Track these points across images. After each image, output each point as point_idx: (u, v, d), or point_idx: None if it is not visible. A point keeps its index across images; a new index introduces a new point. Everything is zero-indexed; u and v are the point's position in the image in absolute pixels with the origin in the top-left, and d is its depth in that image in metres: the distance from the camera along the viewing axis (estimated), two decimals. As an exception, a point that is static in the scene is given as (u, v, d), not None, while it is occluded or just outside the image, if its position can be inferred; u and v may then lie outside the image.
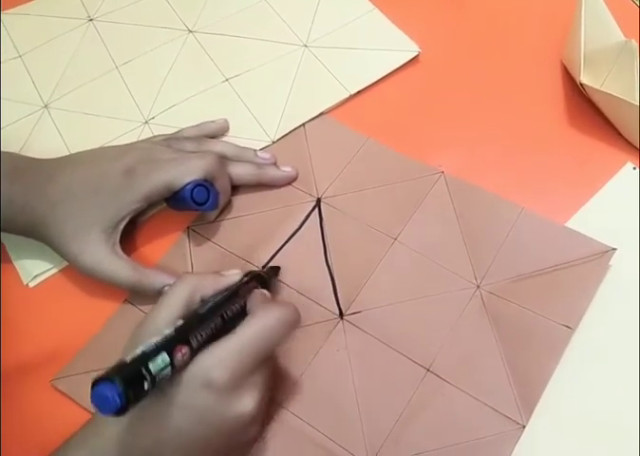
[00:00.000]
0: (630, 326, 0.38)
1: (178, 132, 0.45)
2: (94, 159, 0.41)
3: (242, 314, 0.33)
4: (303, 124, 0.46)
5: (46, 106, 0.48)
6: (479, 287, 0.39)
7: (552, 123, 0.46)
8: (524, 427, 0.35)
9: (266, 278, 0.38)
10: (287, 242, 0.42)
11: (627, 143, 0.45)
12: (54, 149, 0.45)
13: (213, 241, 0.42)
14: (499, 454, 0.34)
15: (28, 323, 0.40)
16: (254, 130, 0.46)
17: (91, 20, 0.53)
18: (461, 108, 0.47)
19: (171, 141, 0.43)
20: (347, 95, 0.47)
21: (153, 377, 0.27)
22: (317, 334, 0.38)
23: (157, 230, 0.43)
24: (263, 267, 0.41)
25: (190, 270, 0.41)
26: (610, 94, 0.42)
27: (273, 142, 0.46)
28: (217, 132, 0.46)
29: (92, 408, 0.26)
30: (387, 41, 0.50)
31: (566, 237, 0.40)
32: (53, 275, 0.42)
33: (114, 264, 0.38)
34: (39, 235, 0.39)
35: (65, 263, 0.41)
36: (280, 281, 0.40)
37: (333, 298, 0.40)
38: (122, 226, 0.39)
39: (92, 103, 0.48)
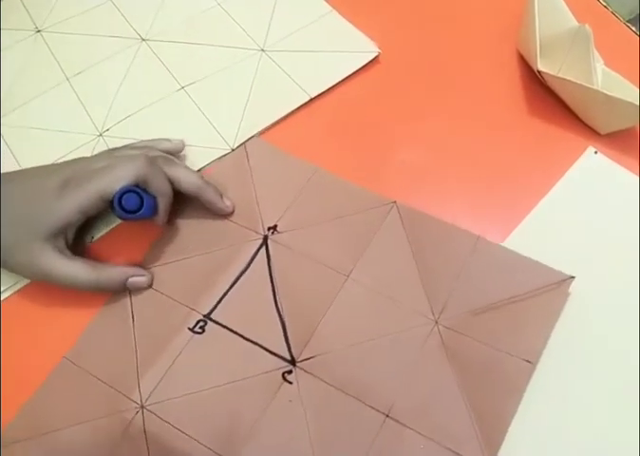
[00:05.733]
0: (592, 356, 0.36)
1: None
2: (34, 174, 0.39)
3: None
4: (247, 157, 0.43)
5: (-5, 122, 0.46)
6: (436, 322, 0.37)
7: (512, 112, 0.46)
8: None
9: None
10: (233, 286, 0.39)
11: (587, 128, 0.45)
12: (6, 166, 0.43)
13: (154, 288, 0.39)
14: None
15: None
16: (212, 138, 0.45)
17: (39, 31, 0.51)
18: (423, 105, 0.47)
19: (116, 150, 0.41)
20: (307, 99, 0.46)
21: None
22: (268, 385, 0.36)
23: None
24: (209, 313, 0.38)
25: (131, 321, 0.38)
26: (567, 80, 0.42)
27: (233, 150, 0.44)
28: (171, 151, 0.43)
29: None
30: (347, 42, 0.49)
31: (523, 266, 0.38)
32: None
33: (68, 266, 0.37)
34: None
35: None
36: (227, 328, 0.38)
37: (284, 344, 0.37)
38: (62, 236, 0.37)
39: (43, 117, 0.46)
